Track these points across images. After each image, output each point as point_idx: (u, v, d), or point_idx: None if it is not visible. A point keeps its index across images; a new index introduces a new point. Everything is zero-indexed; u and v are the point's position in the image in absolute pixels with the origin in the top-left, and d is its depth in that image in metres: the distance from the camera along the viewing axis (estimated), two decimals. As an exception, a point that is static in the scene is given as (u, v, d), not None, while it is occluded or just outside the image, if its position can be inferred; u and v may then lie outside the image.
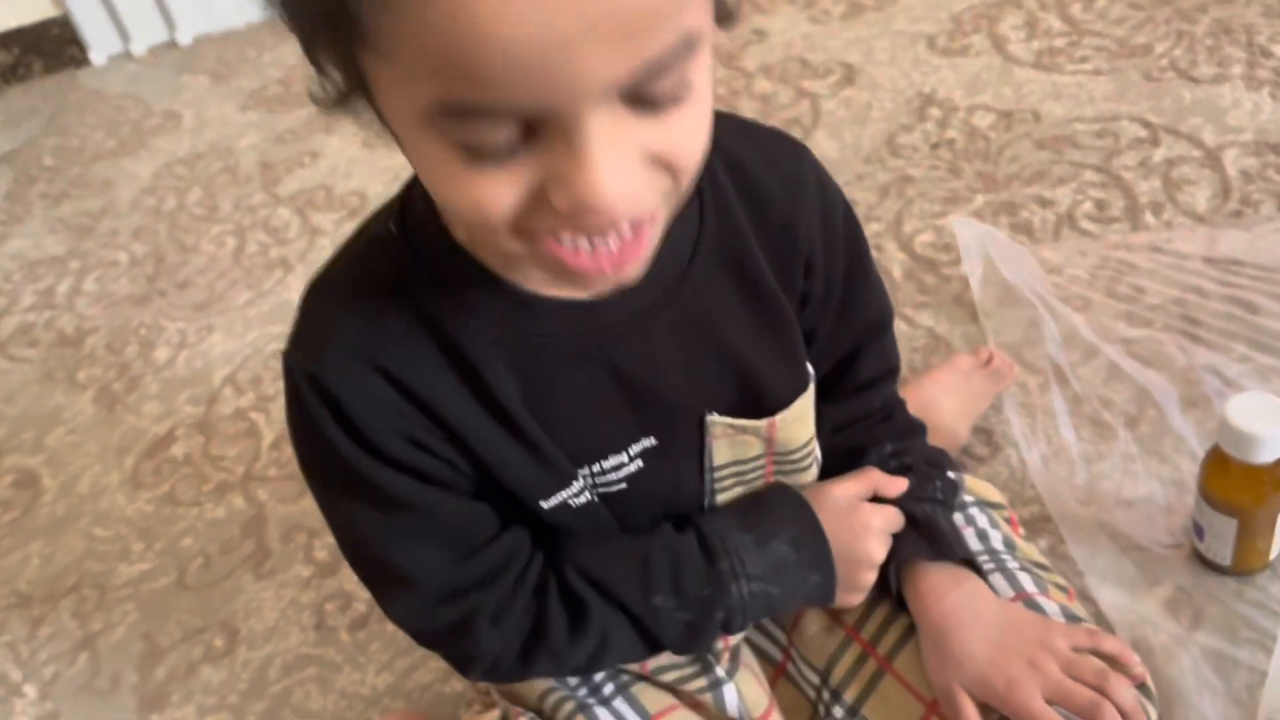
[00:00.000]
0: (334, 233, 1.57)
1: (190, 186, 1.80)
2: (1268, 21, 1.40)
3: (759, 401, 0.64)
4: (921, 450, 0.74)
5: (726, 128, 0.58)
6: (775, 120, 1.52)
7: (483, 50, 0.37)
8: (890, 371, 0.74)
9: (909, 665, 0.70)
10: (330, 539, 1.11)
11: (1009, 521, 0.83)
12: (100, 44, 2.28)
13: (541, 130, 0.41)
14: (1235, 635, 0.82)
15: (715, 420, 0.63)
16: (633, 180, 0.43)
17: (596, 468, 0.62)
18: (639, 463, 0.63)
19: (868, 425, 0.74)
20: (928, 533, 0.70)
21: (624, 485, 0.64)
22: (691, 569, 0.64)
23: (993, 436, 1.02)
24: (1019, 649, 0.67)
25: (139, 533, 1.19)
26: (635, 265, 0.48)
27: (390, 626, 1.01)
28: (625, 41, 0.38)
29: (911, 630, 0.71)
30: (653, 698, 0.72)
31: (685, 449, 0.64)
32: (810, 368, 0.67)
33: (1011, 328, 1.11)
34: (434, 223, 0.56)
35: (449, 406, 0.57)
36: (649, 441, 0.63)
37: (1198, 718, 0.77)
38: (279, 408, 1.30)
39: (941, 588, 0.69)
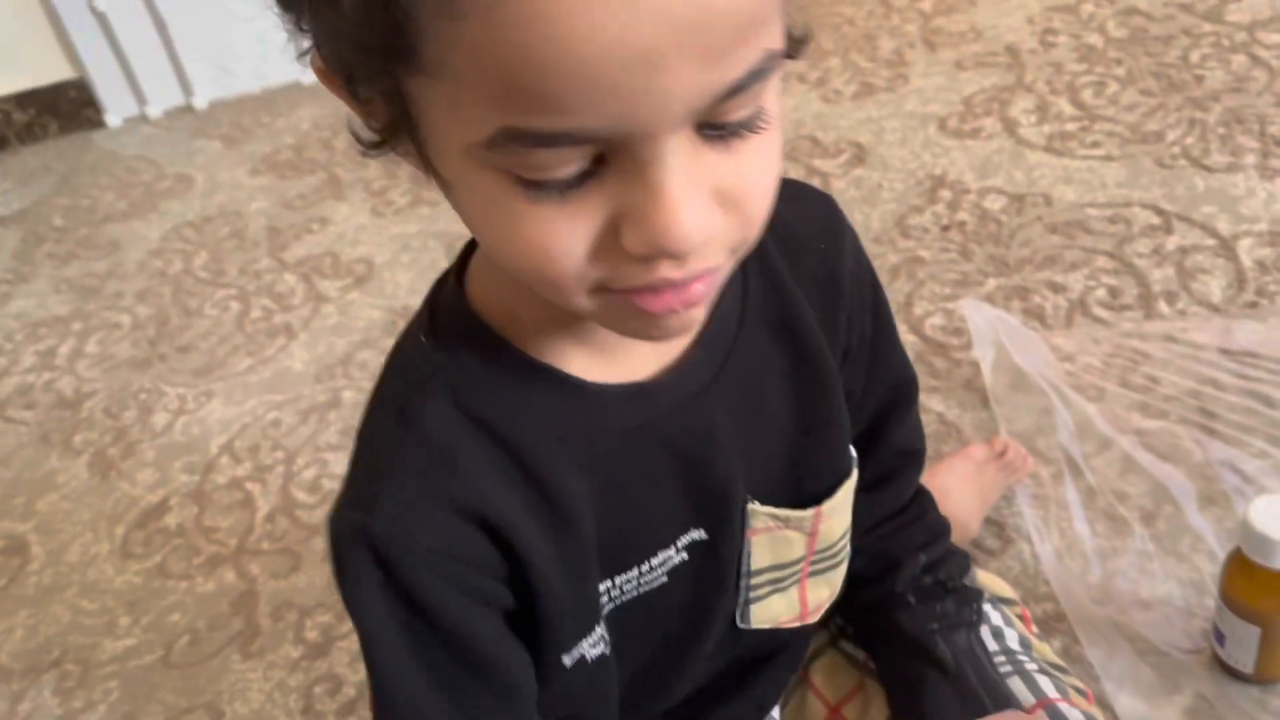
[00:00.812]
0: (339, 299, 1.56)
1: (198, 250, 1.79)
2: (1279, 111, 1.40)
3: (802, 487, 0.60)
4: (954, 562, 0.70)
5: None
6: (785, 198, 1.51)
7: (559, 66, 0.34)
8: (917, 454, 0.70)
9: None
10: (323, 618, 1.09)
11: (1021, 618, 0.80)
12: (116, 106, 2.31)
13: (611, 161, 0.38)
14: (1259, 749, 0.79)
15: (757, 510, 0.58)
16: (708, 215, 0.39)
17: (645, 566, 0.56)
18: (684, 555, 0.58)
19: (901, 525, 0.70)
20: (960, 684, 0.65)
21: (665, 579, 0.58)
22: None
23: (1004, 529, 0.99)
24: None
25: (126, 605, 1.16)
26: (703, 305, 0.44)
27: (379, 713, 0.98)
28: (712, 57, 0.35)
29: None
30: None
31: (731, 547, 0.59)
32: (854, 451, 0.63)
33: (1024, 416, 1.09)
34: (470, 319, 0.51)
35: (519, 526, 0.51)
36: (698, 534, 0.57)
37: (1222, 839, 0.74)
38: (275, 478, 1.28)
39: None
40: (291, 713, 1.00)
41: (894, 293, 1.29)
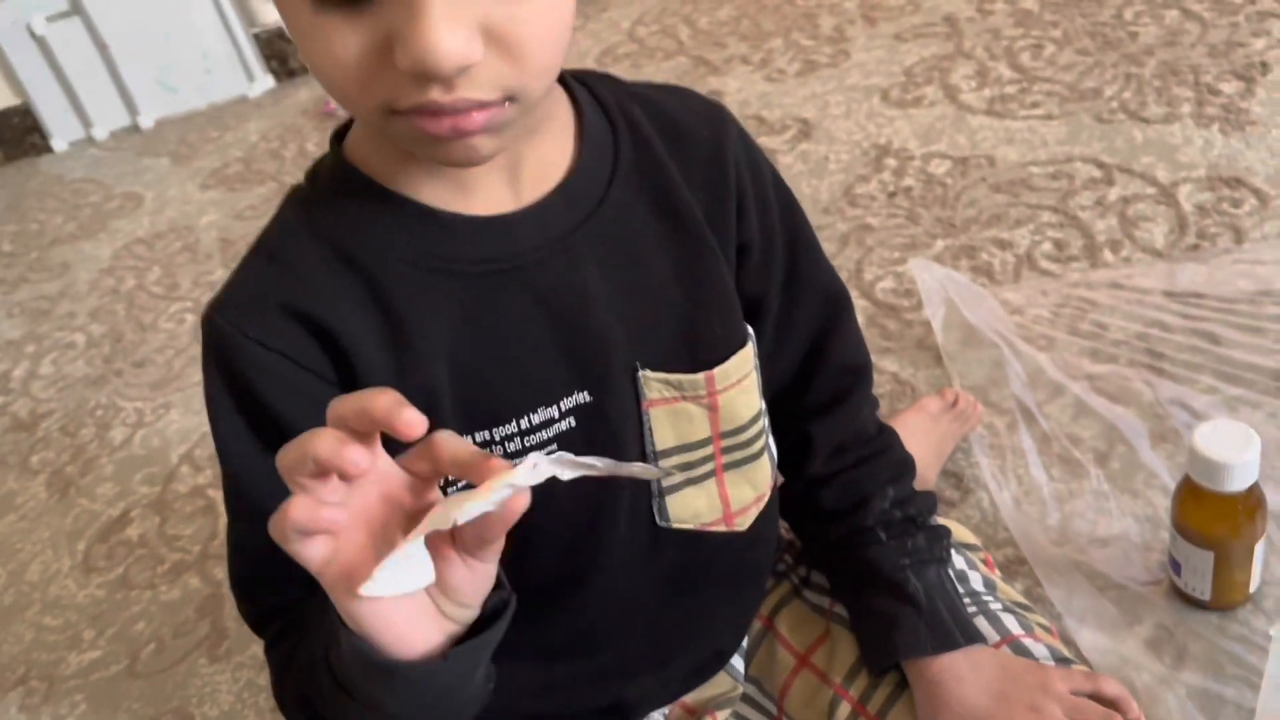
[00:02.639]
0: (294, 305, 1.55)
1: (150, 266, 1.78)
2: (1213, 61, 1.42)
3: (695, 356, 0.61)
4: (922, 499, 0.71)
5: (646, 84, 0.62)
6: (734, 176, 1.52)
7: None
8: (863, 368, 0.71)
9: None
10: (288, 616, 1.08)
11: (985, 563, 0.80)
12: (62, 130, 2.28)
13: None
14: (1221, 672, 0.79)
15: (649, 376, 0.60)
16: (466, 42, 0.44)
17: (525, 422, 0.57)
18: (570, 420, 0.58)
19: (866, 457, 0.70)
20: (932, 619, 0.66)
21: (554, 447, 0.58)
22: None
23: (963, 479, 1.00)
24: (1020, 697, 0.64)
25: (90, 619, 1.15)
26: (482, 135, 0.48)
27: (350, 705, 0.97)
28: None
29: (901, 686, 0.68)
30: None
31: (622, 414, 0.60)
32: (750, 329, 0.64)
33: (976, 369, 1.10)
34: (342, 165, 0.56)
35: (354, 338, 0.54)
36: (582, 396, 0.58)
37: (1187, 760, 0.74)
38: (237, 484, 1.27)
39: (951, 676, 0.65)
40: (262, 711, 0.99)
41: (844, 260, 1.30)
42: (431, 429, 0.55)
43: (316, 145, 2.00)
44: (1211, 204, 1.20)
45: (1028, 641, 0.69)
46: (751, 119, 1.64)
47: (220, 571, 1.16)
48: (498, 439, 0.58)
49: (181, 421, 1.39)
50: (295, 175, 1.94)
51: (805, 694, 0.71)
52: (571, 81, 0.59)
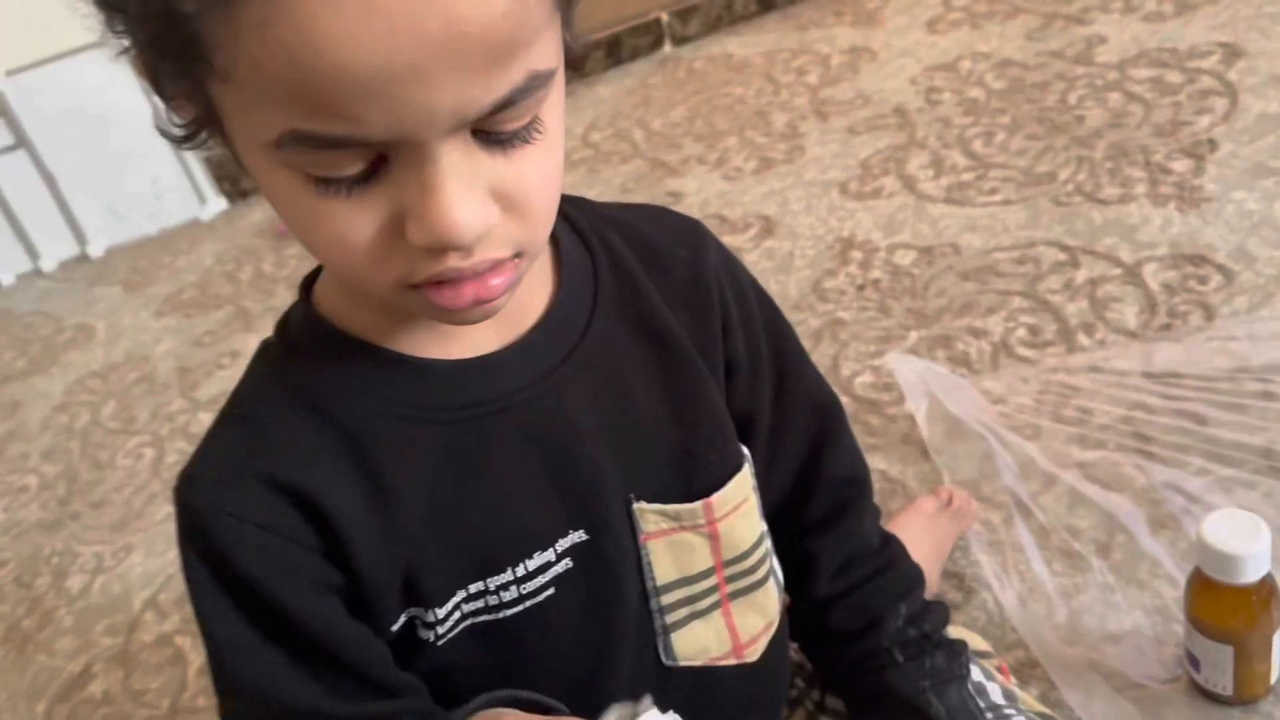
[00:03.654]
0: (258, 433, 1.50)
1: (105, 400, 1.73)
2: (1161, 141, 1.45)
3: (688, 481, 0.59)
4: (934, 613, 0.69)
5: (618, 206, 0.61)
6: (700, 277, 1.51)
7: (330, 79, 0.37)
8: (862, 480, 0.70)
9: None
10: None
11: (1000, 671, 0.77)
12: (8, 263, 2.24)
13: (393, 160, 0.41)
14: (1252, 772, 0.77)
15: (644, 509, 0.58)
16: (483, 210, 0.43)
17: (521, 569, 0.55)
18: (568, 561, 0.56)
19: (875, 573, 0.68)
20: None
21: (552, 590, 0.56)
22: None
23: (964, 579, 0.97)
24: None
25: (53, 788, 1.08)
26: (503, 297, 0.47)
27: None
28: (472, 76, 0.39)
29: None
30: None
31: (620, 551, 0.58)
32: (745, 450, 0.63)
33: (965, 463, 1.08)
34: (312, 319, 0.54)
35: (337, 504, 0.52)
36: (578, 536, 0.56)
37: None
38: (206, 628, 1.21)
39: None
40: None
41: (820, 356, 1.29)
42: (418, 582, 0.53)
43: (273, 266, 1.97)
44: (1178, 282, 1.21)
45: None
46: (713, 218, 1.65)
47: (186, 642, 1.09)
48: (492, 588, 0.55)
49: (144, 564, 1.33)
50: (253, 298, 1.91)
51: None
52: None
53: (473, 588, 0.55)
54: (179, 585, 1.28)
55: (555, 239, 0.58)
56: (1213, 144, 1.41)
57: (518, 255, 0.46)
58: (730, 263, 0.63)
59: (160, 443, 1.57)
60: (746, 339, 0.62)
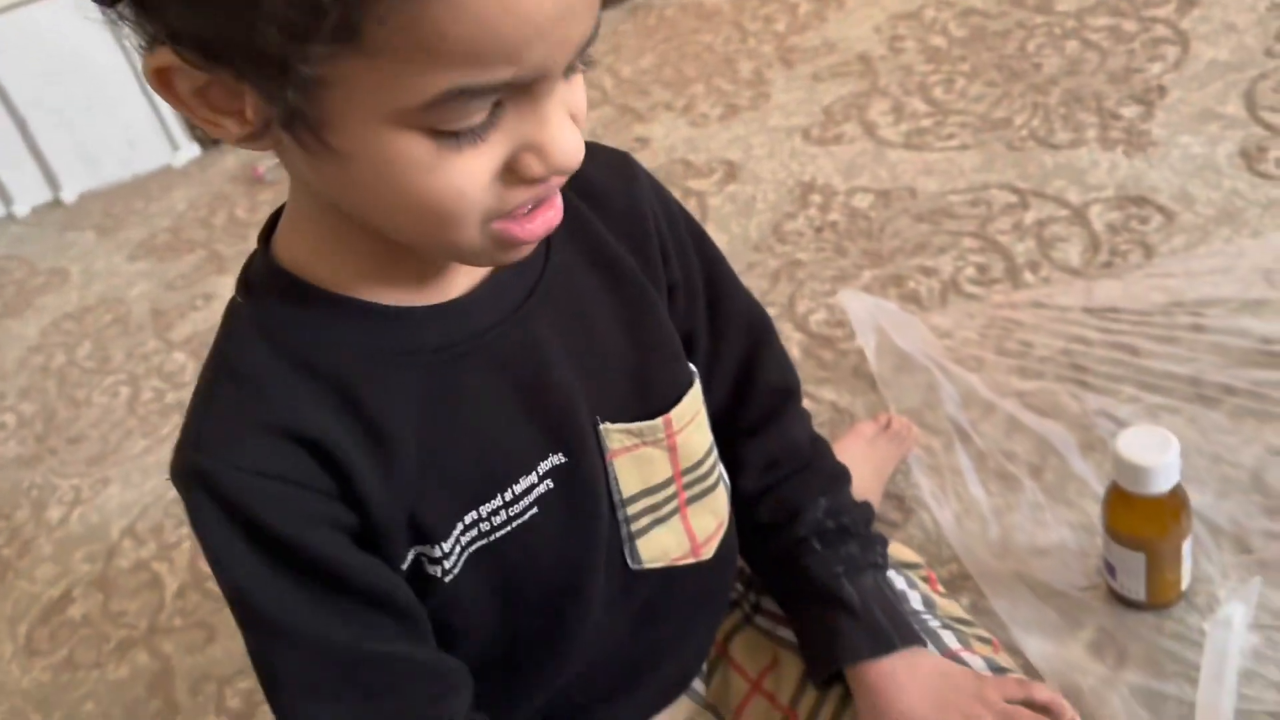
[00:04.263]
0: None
1: (80, 341, 1.75)
2: (1114, 87, 1.49)
3: (648, 402, 0.63)
4: (856, 509, 0.73)
5: None
6: (664, 220, 1.55)
7: (511, 27, 0.41)
8: (792, 390, 0.74)
9: None
10: (244, 684, 1.06)
11: (927, 580, 0.82)
12: (-19, 209, 2.25)
13: (507, 103, 0.45)
14: (1160, 670, 0.82)
15: (610, 429, 0.61)
16: (578, 136, 0.47)
17: (509, 494, 0.59)
18: (549, 483, 0.60)
19: (797, 470, 0.72)
20: (868, 623, 0.68)
21: (536, 510, 0.60)
22: None
23: (904, 501, 1.02)
24: (957, 704, 0.66)
25: (36, 704, 1.12)
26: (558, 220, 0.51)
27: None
28: (595, 6, 0.44)
29: (846, 699, 0.69)
30: None
31: (592, 470, 0.61)
32: (693, 367, 0.67)
33: (910, 393, 1.13)
34: (278, 274, 0.55)
35: (341, 447, 0.54)
36: (557, 458, 0.60)
37: (1135, 757, 0.77)
38: (182, 554, 1.25)
39: (883, 680, 0.67)
40: (219, 784, 0.98)
41: (777, 295, 1.33)
42: (422, 521, 0.57)
43: (246, 211, 1.99)
44: (1121, 222, 1.26)
45: (965, 655, 0.72)
46: (678, 163, 1.68)
47: (169, 645, 1.14)
48: (484, 515, 0.59)
49: (121, 496, 1.37)
50: (225, 243, 1.93)
51: (758, 719, 0.72)
52: None
53: (468, 518, 0.58)
54: (156, 515, 1.32)
55: None
56: (1163, 90, 1.44)
57: None
58: (661, 192, 0.67)
59: (136, 381, 1.60)
60: (682, 264, 0.66)
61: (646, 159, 1.72)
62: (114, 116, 2.20)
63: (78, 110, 2.19)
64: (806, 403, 1.15)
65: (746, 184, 1.58)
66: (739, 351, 0.70)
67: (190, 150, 2.25)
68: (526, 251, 0.52)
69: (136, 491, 1.37)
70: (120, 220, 2.11)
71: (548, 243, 0.59)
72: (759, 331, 0.72)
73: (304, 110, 0.43)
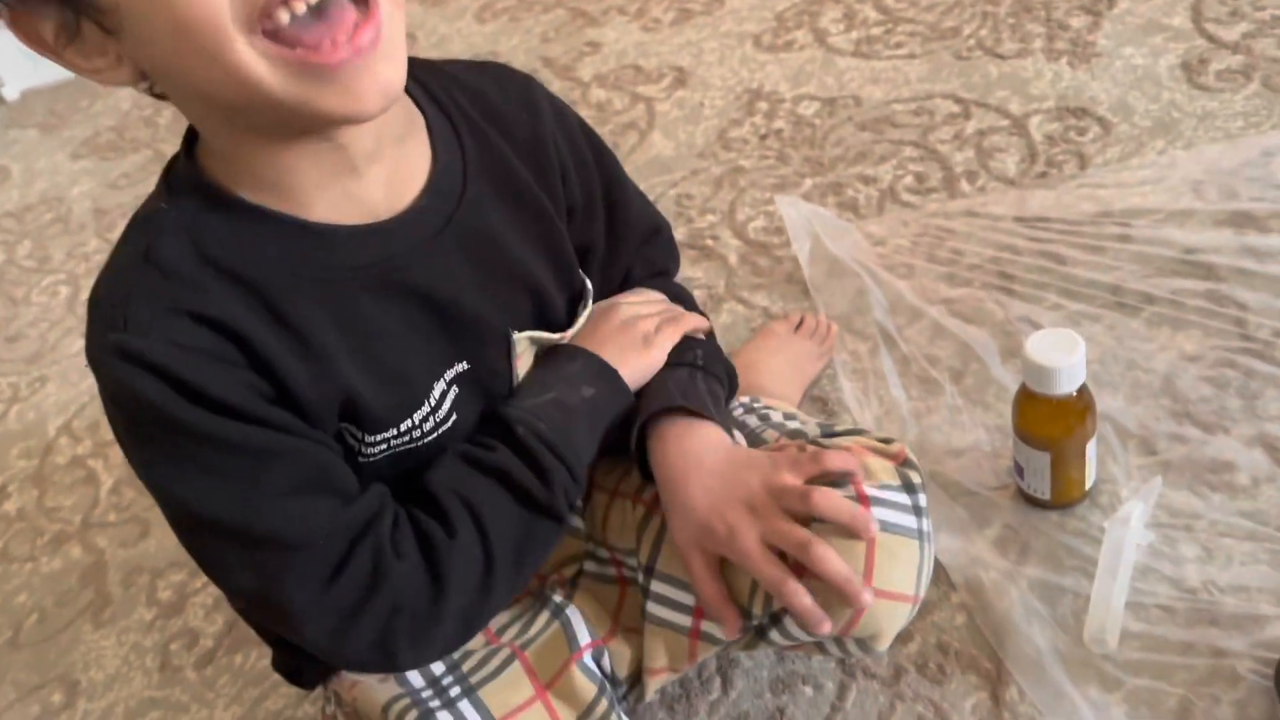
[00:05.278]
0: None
1: (19, 240, 1.73)
2: (1064, -2, 1.48)
3: (551, 314, 0.70)
4: (704, 343, 0.76)
5: (460, 66, 0.67)
6: (611, 125, 1.54)
7: None
8: (668, 270, 0.80)
9: None
10: (176, 576, 1.07)
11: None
12: (-80, 105, 2.19)
13: None
14: (1060, 565, 0.85)
15: (519, 337, 0.67)
16: None
17: (429, 404, 0.64)
18: (455, 389, 0.65)
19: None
20: (661, 394, 0.69)
21: (455, 416, 0.65)
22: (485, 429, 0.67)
23: (828, 403, 1.04)
24: (740, 494, 0.64)
25: (-30, 595, 1.13)
26: (376, 44, 0.50)
27: (239, 658, 0.98)
28: None
29: None
30: (500, 699, 0.70)
31: (494, 370, 0.67)
32: (588, 280, 0.72)
33: (840, 299, 1.14)
34: (203, 183, 0.56)
35: (266, 345, 0.56)
36: (461, 366, 0.65)
37: (1028, 645, 0.80)
38: (118, 451, 1.25)
39: (670, 437, 0.67)
40: (149, 671, 1.00)
41: (718, 201, 1.32)
42: (355, 412, 0.61)
43: (191, 111, 1.95)
44: (1059, 133, 1.26)
45: (794, 424, 0.75)
46: (629, 68, 1.66)
47: (103, 539, 1.15)
48: (416, 421, 0.64)
49: (58, 394, 1.37)
50: (171, 143, 1.89)
51: (619, 518, 0.75)
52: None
53: (403, 425, 0.63)
54: (93, 412, 1.32)
55: (421, 109, 0.63)
56: (1111, 1, 1.43)
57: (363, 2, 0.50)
58: (561, 113, 0.71)
59: (75, 280, 1.58)
60: (581, 184, 0.71)
61: (596, 64, 1.69)
62: (55, 11, 2.13)
63: (17, 4, 2.12)
64: (738, 307, 1.17)
65: (695, 90, 1.56)
66: (634, 252, 0.76)
67: (135, 48, 2.19)
68: (369, 89, 0.51)
69: (74, 390, 1.36)
70: (64, 118, 2.07)
71: (463, 173, 0.63)
72: (650, 236, 0.78)
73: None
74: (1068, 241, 1.12)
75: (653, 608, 0.71)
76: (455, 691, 0.70)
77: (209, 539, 0.59)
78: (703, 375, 0.72)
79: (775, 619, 0.67)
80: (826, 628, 0.62)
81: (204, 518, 0.57)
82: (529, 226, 0.67)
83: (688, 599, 0.69)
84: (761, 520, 0.63)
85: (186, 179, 0.57)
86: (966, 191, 1.23)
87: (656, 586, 0.70)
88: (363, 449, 0.63)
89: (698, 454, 0.67)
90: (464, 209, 0.63)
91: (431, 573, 0.62)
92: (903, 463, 0.66)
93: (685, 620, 0.70)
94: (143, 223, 0.58)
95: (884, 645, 0.66)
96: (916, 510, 0.64)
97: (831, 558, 0.60)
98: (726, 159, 1.40)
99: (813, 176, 1.32)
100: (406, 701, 0.69)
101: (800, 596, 0.61)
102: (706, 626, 0.69)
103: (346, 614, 0.60)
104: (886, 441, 0.69)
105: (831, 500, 0.61)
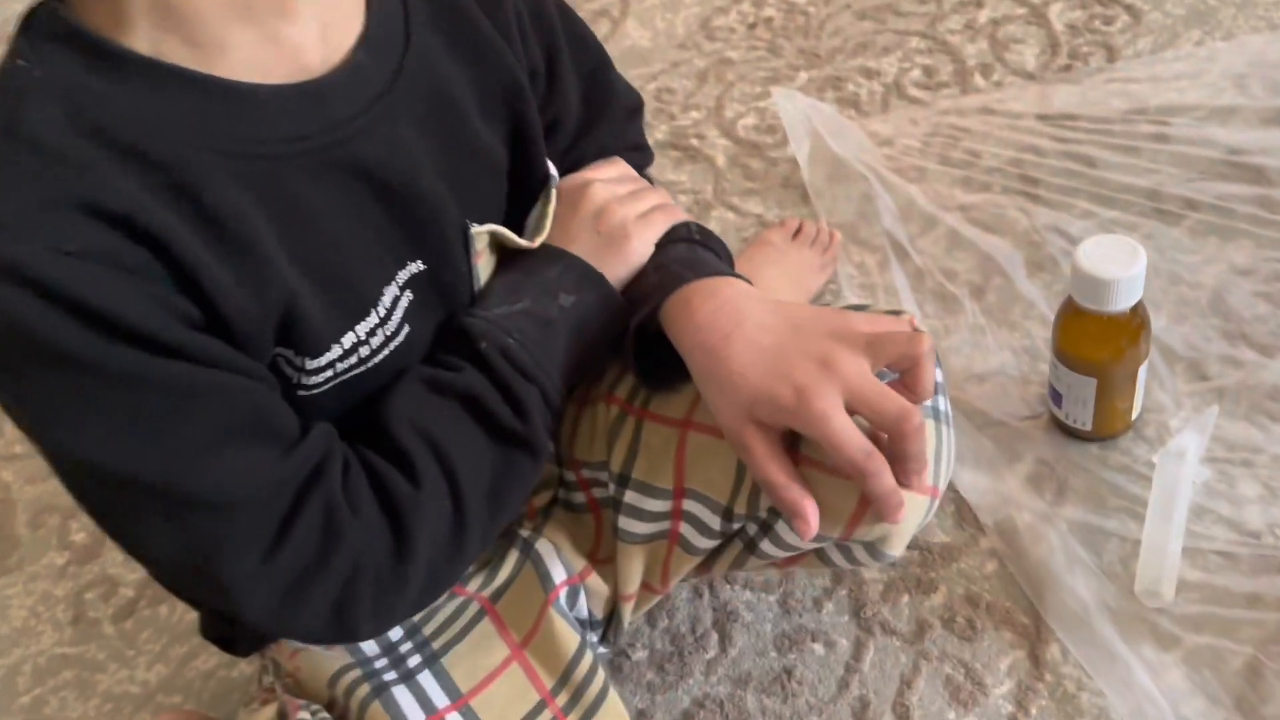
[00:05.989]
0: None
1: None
2: (1082, -125, 1.34)
3: (514, 203, 0.59)
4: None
5: None
6: (583, 11, 1.36)
7: None
8: (645, 147, 0.71)
9: (662, 401, 0.61)
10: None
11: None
12: None
13: None
14: (1103, 505, 0.75)
15: (478, 231, 0.56)
16: None
17: (380, 310, 0.52)
18: (409, 294, 0.53)
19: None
20: (666, 265, 0.58)
21: (407, 329, 0.54)
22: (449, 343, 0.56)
23: (833, 322, 0.93)
24: (806, 348, 0.51)
25: None
26: None
27: (164, 610, 0.86)
28: None
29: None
30: (469, 666, 0.59)
31: (457, 275, 0.56)
32: (552, 168, 0.61)
33: (844, 205, 1.01)
34: (76, 35, 0.44)
35: (184, 246, 0.43)
36: (416, 266, 0.53)
37: (1070, 597, 0.70)
38: (26, 375, 1.11)
39: (695, 301, 0.54)
40: (60, 624, 0.88)
41: (703, 97, 1.19)
42: (292, 328, 0.49)
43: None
44: (1083, 22, 1.14)
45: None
46: (599, -48, 1.50)
47: (9, 474, 1.02)
48: (362, 336, 0.52)
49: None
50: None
51: (588, 428, 0.65)
52: None
53: (346, 340, 0.51)
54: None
55: None
56: (1135, -122, 1.30)
57: None
58: None
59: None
60: (545, 46, 0.61)
61: (563, -54, 1.53)
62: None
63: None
64: (729, 215, 1.05)
65: (673, -26, 1.41)
66: (615, 134, 0.67)
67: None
68: None
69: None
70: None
71: (404, 18, 0.52)
72: (634, 111, 0.70)
73: None
74: (1097, 142, 1.00)
75: (625, 522, 0.61)
76: (415, 661, 0.60)
77: (118, 501, 0.46)
78: (703, 250, 0.60)
79: (766, 526, 0.59)
80: (901, 515, 0.51)
81: (112, 476, 0.45)
82: (489, 86, 0.56)
83: (663, 505, 0.60)
84: (843, 380, 0.49)
85: (54, 27, 0.44)
86: (981, 87, 1.10)
87: (629, 497, 0.61)
88: (302, 380, 0.51)
89: (735, 309, 0.53)
90: (409, 65, 0.51)
91: (393, 528, 0.50)
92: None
93: (662, 526, 0.61)
94: (4, 91, 0.44)
95: (896, 550, 0.56)
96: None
97: (926, 438, 0.51)
98: (711, 50, 1.26)
99: (808, 69, 1.19)
100: (357, 674, 0.58)
101: (885, 477, 0.49)
102: (685, 529, 0.60)
103: (294, 584, 0.48)
104: (896, 313, 0.58)
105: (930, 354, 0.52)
